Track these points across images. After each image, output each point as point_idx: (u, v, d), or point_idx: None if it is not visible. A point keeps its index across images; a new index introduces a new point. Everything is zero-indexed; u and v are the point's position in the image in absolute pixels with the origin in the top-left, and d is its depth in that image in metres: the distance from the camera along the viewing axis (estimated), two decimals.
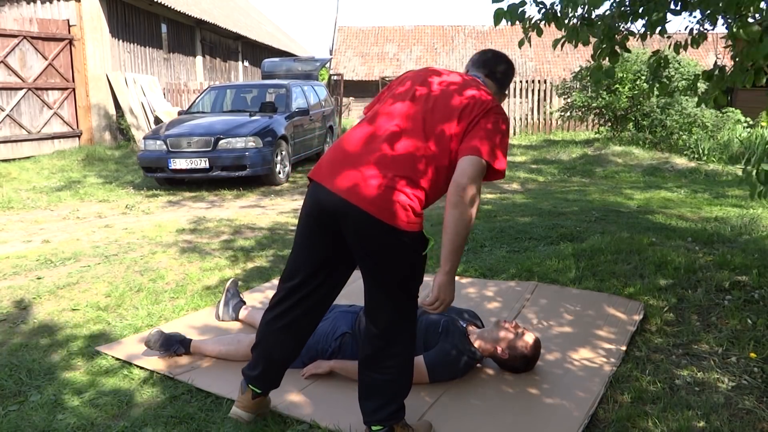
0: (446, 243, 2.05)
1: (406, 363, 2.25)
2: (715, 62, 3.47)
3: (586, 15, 3.43)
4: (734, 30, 2.94)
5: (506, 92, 2.46)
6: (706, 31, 3.52)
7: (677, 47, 3.47)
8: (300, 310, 2.27)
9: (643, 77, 12.07)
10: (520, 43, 3.65)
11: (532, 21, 3.47)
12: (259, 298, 3.93)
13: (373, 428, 2.23)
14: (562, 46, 3.61)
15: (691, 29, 3.62)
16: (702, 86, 3.73)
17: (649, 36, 3.64)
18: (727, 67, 3.37)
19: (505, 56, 2.45)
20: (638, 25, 3.58)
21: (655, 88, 3.90)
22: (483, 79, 2.36)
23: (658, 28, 3.50)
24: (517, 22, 3.48)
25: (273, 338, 2.32)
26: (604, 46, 3.55)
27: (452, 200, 2.04)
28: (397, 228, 2.04)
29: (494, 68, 2.40)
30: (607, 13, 3.52)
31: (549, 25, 3.50)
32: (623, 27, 3.59)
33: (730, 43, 3.18)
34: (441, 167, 2.11)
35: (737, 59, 3.13)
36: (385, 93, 2.34)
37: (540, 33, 3.51)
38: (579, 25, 3.38)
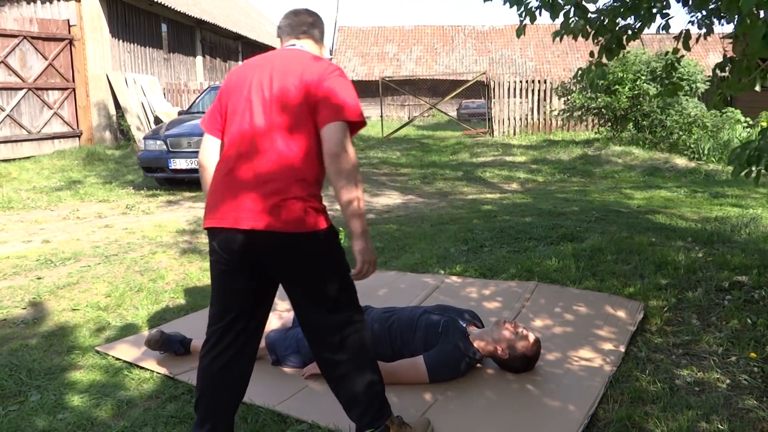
0: (346, 212, 2.04)
1: (366, 366, 2.20)
2: (725, 54, 3.46)
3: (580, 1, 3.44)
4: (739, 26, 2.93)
5: (323, 41, 2.39)
6: (712, 24, 3.51)
7: (686, 41, 3.46)
8: (242, 340, 2.19)
9: (643, 77, 12.07)
10: (518, 32, 3.67)
11: (528, 5, 3.50)
12: None
13: None
14: (561, 38, 3.61)
15: (691, 30, 3.62)
16: (702, 87, 3.73)
17: (650, 37, 3.65)
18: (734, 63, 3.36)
19: (308, 9, 2.39)
20: (635, 23, 3.59)
21: (667, 90, 3.88)
22: (300, 42, 2.31)
23: (662, 23, 3.50)
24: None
25: (219, 380, 2.17)
26: (606, 38, 3.56)
27: (333, 170, 2.02)
28: (309, 232, 2.03)
29: (304, 25, 2.33)
30: (605, 6, 3.53)
31: (540, 14, 3.52)
32: (622, 23, 3.59)
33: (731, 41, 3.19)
34: (312, 150, 2.07)
35: (740, 56, 3.13)
36: (222, 107, 2.23)
37: (533, 20, 3.53)
38: (572, 10, 3.40)
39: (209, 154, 2.25)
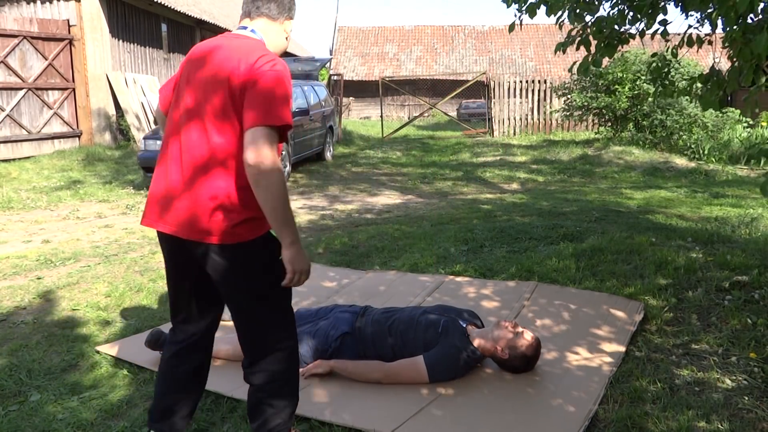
0: (271, 221, 1.89)
1: (283, 388, 2.12)
2: (713, 66, 3.48)
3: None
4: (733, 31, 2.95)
5: (292, 11, 2.14)
6: (707, 36, 3.53)
7: (675, 51, 3.49)
8: (194, 338, 2.20)
9: (643, 77, 12.07)
10: (511, 28, 3.69)
11: (527, 3, 3.51)
12: None
13: None
14: (564, 50, 3.62)
15: (690, 32, 3.63)
16: (701, 87, 3.75)
17: (650, 37, 3.65)
18: (724, 71, 3.38)
19: None
20: (637, 26, 3.60)
21: (657, 91, 3.92)
22: (252, 24, 2.09)
23: (660, 30, 3.51)
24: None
25: (176, 376, 2.21)
26: (605, 34, 3.58)
27: (251, 181, 1.84)
28: (231, 244, 1.92)
29: (258, 1, 2.09)
30: (606, 14, 3.54)
31: (539, 8, 3.53)
32: (623, 29, 3.60)
33: (727, 44, 3.20)
34: (239, 155, 1.90)
35: (734, 60, 3.14)
36: (175, 84, 2.12)
37: (533, 15, 3.53)
38: (571, 12, 3.41)
39: (161, 122, 2.20)
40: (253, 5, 2.09)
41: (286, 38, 2.16)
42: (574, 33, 3.66)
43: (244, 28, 2.10)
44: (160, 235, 2.08)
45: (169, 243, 2.06)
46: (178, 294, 2.16)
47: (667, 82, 3.86)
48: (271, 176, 1.82)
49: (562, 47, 3.62)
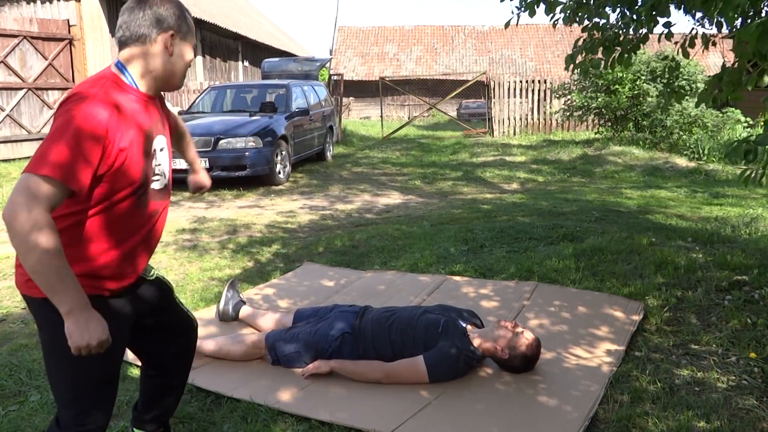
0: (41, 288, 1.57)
1: None
2: (723, 64, 3.49)
3: None
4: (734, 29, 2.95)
5: (165, 23, 1.75)
6: (713, 36, 3.54)
7: (686, 51, 3.49)
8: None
9: (643, 77, 12.07)
10: (506, 24, 3.70)
11: (527, 1, 3.52)
12: (258, 297, 3.92)
13: None
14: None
15: (695, 31, 3.63)
16: (702, 86, 3.77)
17: (650, 34, 3.66)
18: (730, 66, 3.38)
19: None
20: (640, 31, 3.60)
21: (671, 98, 3.93)
22: (119, 55, 1.78)
23: (665, 31, 3.51)
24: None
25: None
26: (607, 45, 3.58)
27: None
28: (27, 296, 1.76)
29: (120, 29, 1.76)
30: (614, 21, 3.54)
31: (538, 6, 3.54)
32: (629, 33, 3.61)
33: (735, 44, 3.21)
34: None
35: (737, 60, 3.15)
36: None
37: (532, 14, 3.54)
38: (568, 14, 3.42)
39: None
40: (116, 36, 1.79)
41: (171, 54, 1.77)
42: (581, 43, 3.67)
43: (114, 61, 1.81)
44: None
45: None
46: None
47: (677, 86, 3.88)
48: (19, 236, 1.52)
49: (571, 60, 3.63)
